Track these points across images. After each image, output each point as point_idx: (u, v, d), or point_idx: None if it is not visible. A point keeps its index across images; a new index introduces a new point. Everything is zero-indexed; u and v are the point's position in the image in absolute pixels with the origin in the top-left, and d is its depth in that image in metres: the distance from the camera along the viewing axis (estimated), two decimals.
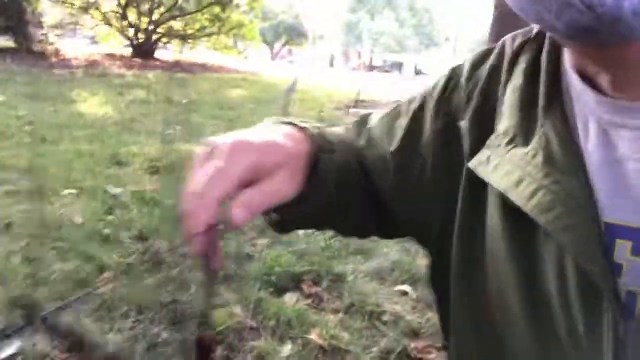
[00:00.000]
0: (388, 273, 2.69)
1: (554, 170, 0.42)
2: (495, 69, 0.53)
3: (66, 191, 3.27)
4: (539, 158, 0.44)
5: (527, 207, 0.42)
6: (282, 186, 0.46)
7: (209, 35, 14.64)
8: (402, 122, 0.60)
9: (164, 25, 13.85)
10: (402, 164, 0.58)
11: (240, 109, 7.55)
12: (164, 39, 14.51)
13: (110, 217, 2.89)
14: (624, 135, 0.41)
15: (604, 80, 0.41)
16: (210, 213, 0.42)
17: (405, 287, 2.59)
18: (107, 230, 2.72)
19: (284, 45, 36.33)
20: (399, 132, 0.59)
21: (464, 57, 0.61)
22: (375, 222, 0.63)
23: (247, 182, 0.44)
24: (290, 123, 0.53)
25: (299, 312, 2.21)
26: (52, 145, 4.24)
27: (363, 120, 0.65)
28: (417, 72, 10.83)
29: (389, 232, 0.65)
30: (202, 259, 0.44)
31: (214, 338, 0.50)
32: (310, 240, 2.88)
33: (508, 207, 0.45)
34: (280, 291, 2.40)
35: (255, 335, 2.06)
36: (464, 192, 0.52)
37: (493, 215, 0.48)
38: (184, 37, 14.69)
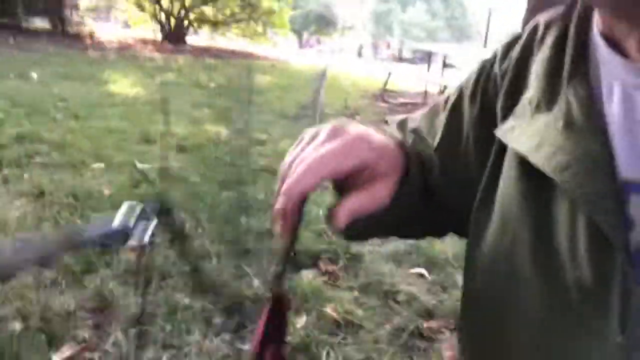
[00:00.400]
0: (405, 256, 2.72)
1: (574, 133, 0.44)
2: (527, 48, 0.54)
3: (96, 165, 3.38)
4: (560, 122, 0.45)
5: (546, 167, 0.44)
6: (382, 195, 0.49)
7: (239, 21, 14.74)
8: (442, 117, 0.61)
9: (195, 11, 13.99)
10: (446, 157, 0.60)
11: (267, 94, 7.60)
12: (195, 25, 14.66)
13: (137, 191, 2.98)
14: None
15: (631, 43, 0.43)
16: (310, 187, 0.44)
17: (422, 270, 2.61)
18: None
19: (312, 34, 36.26)
20: (439, 127, 0.61)
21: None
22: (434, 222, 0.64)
23: (352, 174, 0.46)
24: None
25: (315, 288, 2.26)
26: (84, 121, 4.36)
27: (403, 122, 0.66)
28: (447, 65, 10.65)
29: (440, 230, 0.66)
30: (282, 233, 0.46)
31: (288, 297, 0.51)
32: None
33: (524, 169, 0.48)
34: (297, 268, 2.45)
35: None
36: (493, 157, 0.53)
37: (509, 178, 0.50)
38: (214, 24, 14.81)
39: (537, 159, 0.45)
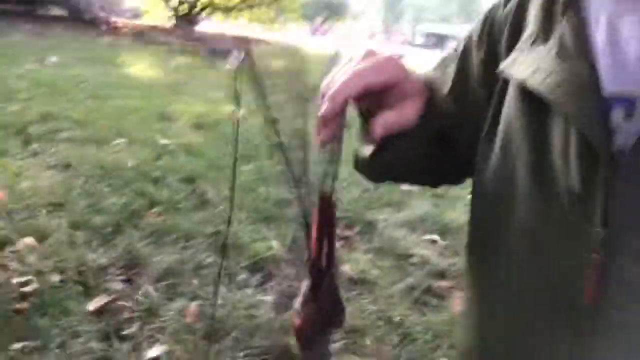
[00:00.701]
0: (418, 223, 2.81)
1: (566, 58, 0.51)
2: None
3: (118, 140, 3.50)
4: (554, 50, 0.52)
5: (541, 88, 0.51)
6: (411, 112, 0.56)
7: (251, 7, 14.75)
8: (452, 66, 0.66)
9: None
10: (457, 102, 0.64)
11: (278, 78, 7.67)
12: (207, 11, 14.71)
13: (159, 163, 3.10)
14: (627, 20, 0.49)
15: None
16: (352, 93, 0.51)
17: (434, 237, 2.70)
18: (157, 173, 2.93)
19: (324, 20, 36.09)
20: (451, 73, 0.66)
21: None
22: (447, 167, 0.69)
23: (382, 92, 0.53)
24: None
25: None
26: (104, 101, 4.49)
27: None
28: None
29: (453, 176, 0.72)
30: (330, 138, 0.52)
31: (334, 197, 0.55)
32: (345, 192, 3.01)
33: (524, 97, 0.54)
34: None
35: (289, 266, 2.22)
36: (497, 94, 0.59)
37: (511, 107, 0.57)
38: (226, 10, 14.85)
39: (533, 82, 0.52)
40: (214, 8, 14.72)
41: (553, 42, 0.52)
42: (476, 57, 0.64)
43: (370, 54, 0.54)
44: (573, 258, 0.52)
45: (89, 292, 1.88)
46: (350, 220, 2.69)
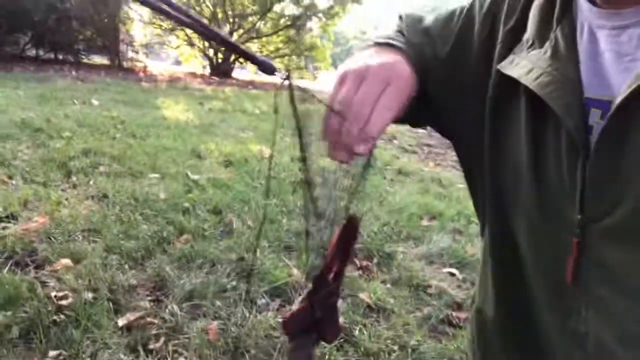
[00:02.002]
0: (437, 257, 2.85)
1: (556, 61, 0.58)
2: None
3: (152, 175, 3.70)
4: (548, 53, 0.59)
5: (533, 86, 0.57)
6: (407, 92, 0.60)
7: (283, 56, 15.33)
8: (455, 27, 0.71)
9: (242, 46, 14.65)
10: (452, 63, 0.70)
11: (306, 121, 7.90)
12: (241, 60, 15.35)
13: (189, 195, 3.26)
14: (603, 33, 0.56)
15: None
16: (384, 126, 0.57)
17: (453, 270, 2.74)
18: (186, 204, 3.08)
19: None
20: (451, 36, 0.71)
21: None
22: (413, 112, 0.71)
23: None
24: (387, 44, 0.66)
25: (350, 278, 2.43)
26: (140, 140, 4.74)
27: (419, 19, 0.75)
28: None
29: (422, 121, 0.78)
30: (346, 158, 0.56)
31: (359, 220, 0.58)
32: (365, 225, 3.09)
33: (527, 97, 0.60)
34: None
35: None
36: (492, 91, 0.66)
37: (518, 107, 0.63)
38: None
39: (527, 80, 0.58)
40: None
41: (547, 46, 0.59)
42: (479, 30, 0.68)
43: (378, 73, 0.58)
44: (559, 242, 0.59)
45: (119, 309, 2.00)
46: (369, 252, 2.77)
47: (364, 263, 2.65)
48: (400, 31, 0.74)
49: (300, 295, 0.58)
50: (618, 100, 0.50)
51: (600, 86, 0.55)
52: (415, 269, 2.64)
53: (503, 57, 0.64)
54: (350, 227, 0.57)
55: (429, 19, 0.74)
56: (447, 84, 0.70)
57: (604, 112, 0.54)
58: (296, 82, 0.52)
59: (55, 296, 1.97)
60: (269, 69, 0.49)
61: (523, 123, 0.62)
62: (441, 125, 0.76)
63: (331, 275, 0.57)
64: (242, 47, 0.49)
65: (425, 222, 3.39)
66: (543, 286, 0.63)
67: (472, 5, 0.71)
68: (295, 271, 2.44)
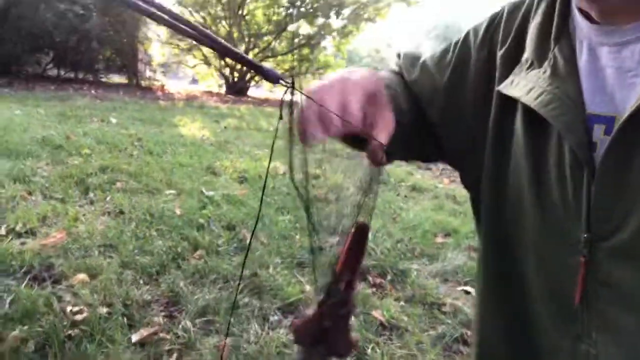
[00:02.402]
0: (452, 274, 2.83)
1: (556, 80, 0.58)
2: (528, 12, 0.67)
3: (168, 191, 3.74)
4: (548, 72, 0.59)
5: (534, 105, 0.58)
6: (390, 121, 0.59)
7: (297, 75, 15.47)
8: (452, 56, 0.74)
9: None
10: (452, 91, 0.72)
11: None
12: (257, 78, 15.55)
13: (204, 211, 3.29)
14: (604, 50, 0.57)
15: (594, 13, 0.56)
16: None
17: (468, 288, 2.70)
18: (201, 220, 3.11)
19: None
20: (449, 64, 0.73)
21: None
22: (421, 148, 0.76)
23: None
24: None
25: (363, 296, 2.41)
26: (157, 157, 4.81)
27: (416, 57, 0.79)
28: None
29: (432, 156, 0.80)
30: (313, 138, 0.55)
31: (368, 228, 0.57)
32: (378, 242, 3.08)
33: (528, 116, 0.61)
34: None
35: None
36: (494, 113, 0.67)
37: (519, 127, 0.64)
38: None
39: (528, 100, 0.59)
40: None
41: (547, 65, 0.60)
42: (476, 55, 0.70)
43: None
44: (566, 262, 0.58)
45: (133, 324, 2.01)
46: (382, 269, 2.75)
47: (378, 280, 2.64)
48: (394, 71, 0.77)
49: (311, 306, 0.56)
50: (625, 114, 0.50)
51: (603, 102, 0.55)
52: (429, 287, 2.61)
53: (503, 79, 0.64)
54: (360, 235, 0.56)
55: (426, 55, 0.77)
56: (449, 111, 0.71)
57: (607, 128, 0.54)
58: (301, 89, 0.52)
59: (71, 311, 1.99)
60: (273, 78, 0.51)
61: (523, 142, 0.62)
62: (449, 156, 0.77)
63: (342, 285, 0.56)
64: (248, 57, 0.50)
65: (439, 239, 3.36)
66: (550, 308, 0.61)
67: (466, 35, 0.73)
68: (308, 288, 2.44)
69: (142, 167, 4.29)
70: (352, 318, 0.57)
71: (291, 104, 0.50)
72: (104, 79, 12.95)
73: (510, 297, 0.68)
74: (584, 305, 0.56)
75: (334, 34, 14.44)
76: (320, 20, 14.01)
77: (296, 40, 14.59)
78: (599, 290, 0.55)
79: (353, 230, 0.57)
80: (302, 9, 13.65)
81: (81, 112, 6.91)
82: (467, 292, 2.66)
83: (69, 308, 2.01)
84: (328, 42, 15.14)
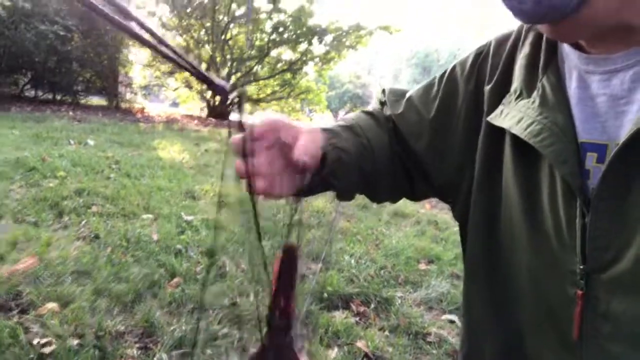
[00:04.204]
0: (436, 302, 2.78)
1: (546, 109, 0.57)
2: (515, 44, 0.67)
3: (145, 215, 3.64)
4: (537, 102, 0.59)
5: (524, 135, 0.57)
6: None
7: (279, 99, 15.54)
8: (438, 90, 0.73)
9: (239, 90, 14.86)
10: (439, 124, 0.71)
11: None
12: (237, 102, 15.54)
13: (182, 237, 3.20)
14: (594, 78, 0.56)
15: (583, 42, 0.56)
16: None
17: (452, 317, 2.66)
18: (179, 246, 3.02)
19: (347, 112, 37.54)
20: (435, 98, 0.73)
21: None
22: (408, 186, 0.76)
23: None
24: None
25: (346, 325, 2.35)
26: (135, 180, 4.70)
27: (401, 92, 0.79)
28: None
29: (420, 193, 0.78)
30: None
31: (298, 248, 0.55)
32: (361, 269, 3.03)
33: (518, 146, 0.60)
34: (330, 308, 2.55)
35: (304, 341, 2.21)
36: (482, 144, 0.66)
37: (508, 156, 0.63)
38: (256, 101, 15.67)
39: (517, 130, 0.58)
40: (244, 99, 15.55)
41: (536, 95, 0.59)
42: (464, 90, 0.70)
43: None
44: (562, 295, 0.56)
45: (105, 357, 1.90)
46: (366, 297, 2.69)
47: (361, 309, 2.58)
48: (367, 112, 0.77)
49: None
50: (620, 142, 0.49)
51: (595, 130, 0.55)
52: (414, 316, 2.56)
53: (491, 111, 0.64)
54: (288, 258, 0.54)
55: (411, 91, 0.77)
56: (437, 145, 0.71)
57: (599, 156, 0.54)
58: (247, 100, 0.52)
59: (39, 343, 1.88)
60: (221, 92, 0.50)
61: (513, 173, 0.61)
62: (438, 191, 0.75)
63: (278, 314, 0.54)
64: (198, 68, 0.49)
65: (422, 266, 3.32)
66: (548, 342, 0.59)
67: (452, 69, 0.73)
68: None
69: (119, 190, 4.19)
70: (303, 343, 0.55)
71: (240, 110, 0.51)
72: (83, 101, 12.78)
73: (504, 329, 0.65)
74: (583, 340, 0.54)
75: (316, 59, 14.57)
76: (302, 47, 14.14)
77: (278, 65, 14.68)
78: (599, 325, 0.53)
79: (280, 254, 0.55)
80: (285, 35, 13.78)
81: (58, 134, 6.77)
82: (452, 322, 2.61)
83: (36, 340, 1.89)
84: (310, 68, 15.26)
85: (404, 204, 5.50)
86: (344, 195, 0.69)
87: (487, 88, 0.67)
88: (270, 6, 13.03)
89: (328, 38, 13.87)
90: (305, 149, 0.58)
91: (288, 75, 14.93)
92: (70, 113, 9.93)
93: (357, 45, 14.03)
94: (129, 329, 2.12)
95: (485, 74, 0.68)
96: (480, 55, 0.71)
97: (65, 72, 11.64)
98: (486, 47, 0.71)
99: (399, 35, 13.59)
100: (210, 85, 0.49)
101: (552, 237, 0.57)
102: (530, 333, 0.61)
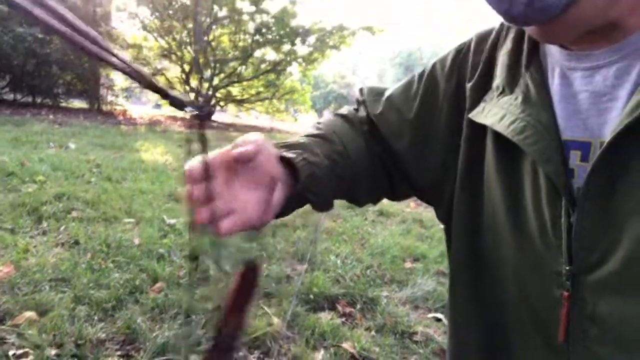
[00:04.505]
0: (422, 301, 2.77)
1: (529, 106, 0.56)
2: (496, 41, 0.66)
3: (127, 220, 3.57)
4: (519, 99, 0.57)
5: (507, 132, 0.56)
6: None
7: (263, 100, 15.47)
8: (417, 88, 0.72)
9: (222, 90, 14.80)
10: (420, 123, 0.70)
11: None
12: (222, 103, 15.46)
13: (165, 241, 3.14)
14: (576, 75, 0.55)
15: None
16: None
17: (438, 315, 2.65)
18: (161, 250, 2.97)
19: (333, 111, 37.49)
20: (415, 97, 0.71)
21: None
22: (388, 186, 0.75)
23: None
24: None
25: (333, 327, 2.32)
26: (116, 183, 4.63)
27: (380, 91, 0.77)
28: None
29: (400, 194, 0.77)
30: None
31: (258, 266, 0.54)
32: (347, 269, 3.00)
33: (500, 144, 0.59)
34: (316, 309, 2.53)
35: (290, 343, 2.19)
36: (464, 143, 0.65)
37: (490, 154, 0.62)
38: (240, 102, 15.59)
39: (500, 127, 0.57)
40: (228, 100, 15.48)
41: (518, 92, 0.58)
42: (444, 88, 0.69)
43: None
44: (548, 296, 0.55)
45: None
46: (352, 297, 2.67)
47: (347, 309, 2.55)
48: (342, 115, 0.76)
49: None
50: (606, 140, 0.48)
51: (578, 128, 0.54)
52: (400, 315, 2.54)
53: (473, 107, 0.63)
54: (249, 275, 0.53)
55: (390, 89, 0.76)
56: (418, 144, 0.70)
57: (583, 154, 0.53)
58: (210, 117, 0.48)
59: (14, 354, 1.82)
60: (179, 105, 0.46)
61: (496, 170, 0.60)
62: (420, 191, 0.75)
63: (228, 329, 0.52)
64: (153, 80, 0.46)
65: (408, 265, 3.31)
66: (534, 343, 0.58)
67: (432, 67, 0.72)
68: (275, 320, 2.33)
69: (100, 194, 4.11)
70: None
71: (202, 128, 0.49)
72: (63, 104, 12.60)
73: (490, 330, 0.65)
74: (569, 342, 0.53)
75: (300, 59, 14.54)
76: (286, 47, 14.09)
77: (262, 66, 14.61)
78: (585, 327, 0.52)
79: (242, 269, 0.54)
80: (269, 36, 13.71)
81: (38, 138, 6.64)
82: (438, 320, 2.60)
83: (11, 351, 1.84)
84: (294, 68, 15.22)
85: (389, 202, 5.50)
86: (322, 206, 0.68)
87: (468, 85, 0.66)
88: (253, 8, 12.96)
89: (311, 39, 13.85)
90: (244, 141, 0.56)
91: (272, 76, 14.88)
92: (51, 116, 9.77)
93: (341, 46, 14.04)
94: (110, 337, 2.07)
95: (467, 72, 0.67)
96: (461, 53, 0.70)
97: (45, 75, 11.45)
98: (467, 44, 0.70)
99: (382, 35, 13.62)
100: (167, 97, 0.46)
101: (536, 237, 0.56)
102: (515, 334, 0.60)
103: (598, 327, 0.51)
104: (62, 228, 3.24)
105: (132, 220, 3.58)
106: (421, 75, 0.73)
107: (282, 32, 13.47)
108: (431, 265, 3.29)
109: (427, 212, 5.11)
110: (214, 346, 0.51)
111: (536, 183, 0.55)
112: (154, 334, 2.09)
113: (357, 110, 0.78)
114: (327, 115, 0.78)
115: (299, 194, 0.62)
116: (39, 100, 11.95)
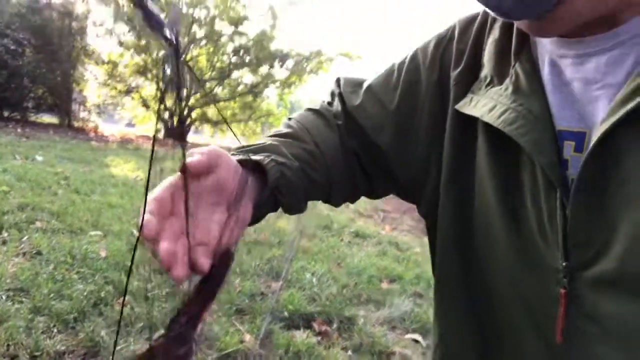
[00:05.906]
0: (399, 321, 2.71)
1: (520, 96, 0.54)
2: (481, 30, 0.63)
3: (93, 232, 3.42)
4: (510, 89, 0.55)
5: (497, 123, 0.53)
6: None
7: (239, 121, 15.42)
8: (398, 78, 0.68)
9: (198, 111, 14.70)
10: (402, 114, 0.66)
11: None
12: (197, 124, 15.33)
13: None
14: (567, 62, 0.52)
15: None
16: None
17: (416, 336, 2.59)
18: (129, 263, 2.83)
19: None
20: (396, 88, 0.68)
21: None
22: (366, 184, 0.71)
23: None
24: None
25: (308, 345, 2.23)
26: (85, 196, 4.46)
27: (358, 82, 0.73)
28: None
29: (379, 191, 0.73)
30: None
31: (231, 255, 0.49)
32: (323, 287, 2.93)
33: (492, 136, 0.56)
34: (290, 327, 2.43)
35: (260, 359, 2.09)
36: (450, 135, 0.61)
37: (481, 147, 0.58)
38: (216, 123, 15.49)
39: (490, 118, 0.54)
40: (203, 121, 15.36)
41: (508, 82, 0.55)
42: (427, 78, 0.65)
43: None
44: (545, 294, 0.51)
45: None
46: (328, 316, 2.59)
47: (323, 328, 2.46)
48: (314, 110, 0.72)
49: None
50: (600, 131, 0.45)
51: (572, 117, 0.51)
52: (377, 335, 2.47)
53: (459, 98, 0.60)
54: (220, 263, 0.47)
55: (369, 80, 0.71)
56: (401, 136, 0.66)
57: (577, 145, 0.50)
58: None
59: None
60: (158, 26, 0.36)
61: (487, 164, 0.57)
62: (401, 187, 0.70)
63: (183, 320, 0.46)
64: None
65: (385, 285, 3.25)
66: (530, 347, 0.54)
67: (414, 56, 0.68)
68: (247, 337, 2.22)
69: (67, 206, 3.94)
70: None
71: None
72: (32, 118, 12.25)
73: (482, 333, 0.60)
74: (567, 341, 0.50)
75: (277, 83, 14.61)
76: (263, 70, 14.15)
77: (239, 88, 14.62)
78: (584, 326, 0.49)
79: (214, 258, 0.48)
80: (247, 59, 13.76)
81: (2, 149, 6.40)
82: (416, 341, 2.54)
83: None
84: (271, 91, 15.28)
85: (365, 225, 5.47)
86: (294, 209, 0.63)
87: (453, 74, 0.63)
88: (232, 29, 13.03)
89: (289, 62, 13.97)
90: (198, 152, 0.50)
91: (249, 98, 14.87)
92: (19, 130, 9.47)
93: (319, 71, 14.17)
94: (70, 349, 1.93)
95: (450, 61, 0.64)
96: (444, 40, 0.66)
97: (16, 88, 11.14)
98: (449, 32, 0.67)
99: (360, 61, 13.83)
100: (147, 14, 0.37)
101: (534, 232, 0.52)
102: (510, 336, 0.57)
103: (597, 325, 0.48)
104: (24, 238, 3.08)
105: (98, 232, 3.43)
106: (402, 64, 0.69)
107: (260, 54, 13.54)
108: (408, 287, 3.24)
109: (403, 236, 5.10)
110: (164, 334, 0.45)
111: (534, 175, 0.52)
112: (119, 347, 1.96)
113: (330, 103, 0.73)
114: (300, 111, 0.74)
115: (269, 197, 0.58)
116: (6, 113, 11.59)
